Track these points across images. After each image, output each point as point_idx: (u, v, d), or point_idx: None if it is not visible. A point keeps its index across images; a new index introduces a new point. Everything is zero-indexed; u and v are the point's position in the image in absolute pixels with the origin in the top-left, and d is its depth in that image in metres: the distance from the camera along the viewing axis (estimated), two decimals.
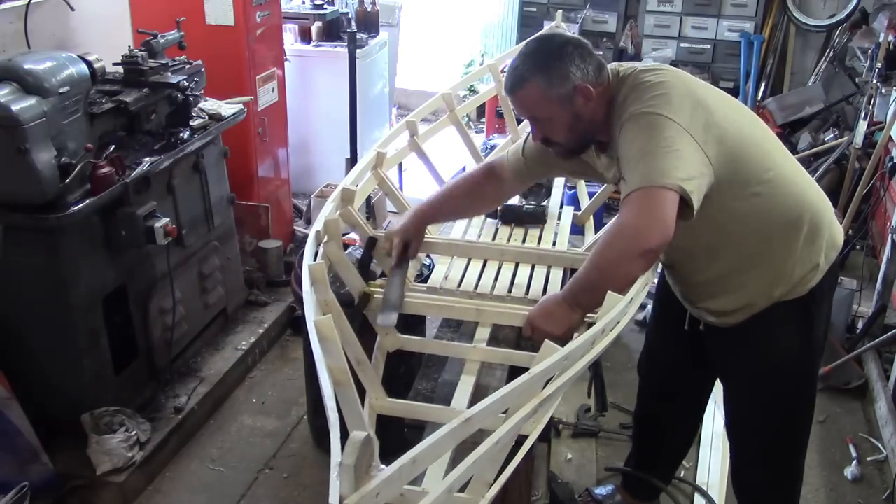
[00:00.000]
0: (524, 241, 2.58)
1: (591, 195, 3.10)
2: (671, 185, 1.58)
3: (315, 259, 1.87)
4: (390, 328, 1.97)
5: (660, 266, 2.10)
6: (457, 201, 2.19)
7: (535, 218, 2.67)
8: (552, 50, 1.78)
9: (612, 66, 1.85)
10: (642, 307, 3.72)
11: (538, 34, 1.87)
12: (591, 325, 1.69)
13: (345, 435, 1.20)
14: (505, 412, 1.40)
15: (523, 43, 1.89)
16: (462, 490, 1.45)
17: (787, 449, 2.12)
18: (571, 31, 4.74)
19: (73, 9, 3.21)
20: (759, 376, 2.02)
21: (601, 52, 5.46)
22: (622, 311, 1.68)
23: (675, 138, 1.63)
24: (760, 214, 1.82)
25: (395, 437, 1.76)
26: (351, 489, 1.07)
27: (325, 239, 1.98)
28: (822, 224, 1.90)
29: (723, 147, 1.71)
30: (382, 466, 1.16)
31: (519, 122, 3.70)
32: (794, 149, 5.06)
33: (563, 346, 1.47)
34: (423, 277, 2.48)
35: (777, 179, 1.82)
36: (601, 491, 2.63)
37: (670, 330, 2.22)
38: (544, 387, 1.44)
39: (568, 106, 1.77)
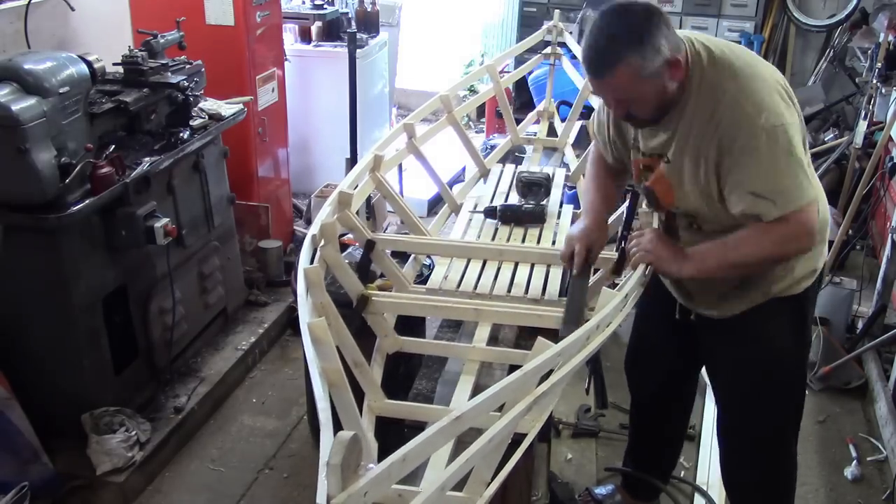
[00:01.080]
0: (524, 240, 2.58)
1: None
2: (810, 200, 1.69)
3: (311, 262, 1.87)
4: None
5: None
6: (610, 194, 2.14)
7: (535, 217, 2.66)
8: (639, 23, 1.64)
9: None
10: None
11: (610, 8, 1.69)
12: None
13: None
14: (501, 410, 1.40)
15: (591, 17, 1.76)
16: (461, 489, 1.46)
17: (774, 445, 2.13)
18: (571, 31, 4.74)
19: (73, 9, 3.22)
20: (750, 368, 2.03)
21: None
22: (617, 307, 1.69)
23: (797, 144, 1.68)
24: None
25: (396, 438, 1.76)
26: (338, 488, 1.07)
27: (322, 243, 1.98)
28: (825, 226, 1.92)
29: None
30: (372, 466, 1.15)
31: (518, 122, 3.72)
32: None
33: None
34: (422, 278, 2.48)
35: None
36: (601, 491, 2.63)
37: (658, 321, 2.23)
38: (540, 383, 1.44)
39: (659, 81, 1.67)
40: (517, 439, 1.52)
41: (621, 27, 1.64)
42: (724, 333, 2.02)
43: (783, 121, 1.66)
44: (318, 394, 1.30)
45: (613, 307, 1.67)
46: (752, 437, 2.12)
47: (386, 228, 4.16)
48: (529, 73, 4.41)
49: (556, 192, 2.89)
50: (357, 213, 2.28)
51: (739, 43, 5.34)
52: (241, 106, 3.26)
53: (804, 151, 1.72)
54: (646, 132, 1.86)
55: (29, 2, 2.99)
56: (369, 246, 2.23)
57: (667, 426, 2.47)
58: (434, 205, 4.65)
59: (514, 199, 2.81)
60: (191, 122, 2.96)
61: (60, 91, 2.33)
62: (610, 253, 2.26)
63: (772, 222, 1.68)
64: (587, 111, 3.78)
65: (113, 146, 2.55)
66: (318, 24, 4.71)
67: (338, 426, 1.24)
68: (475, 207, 2.79)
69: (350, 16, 4.93)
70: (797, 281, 1.91)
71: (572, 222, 2.75)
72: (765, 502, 2.23)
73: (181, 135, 2.87)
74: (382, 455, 1.25)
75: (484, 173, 3.21)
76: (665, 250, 1.86)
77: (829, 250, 1.96)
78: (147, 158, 2.67)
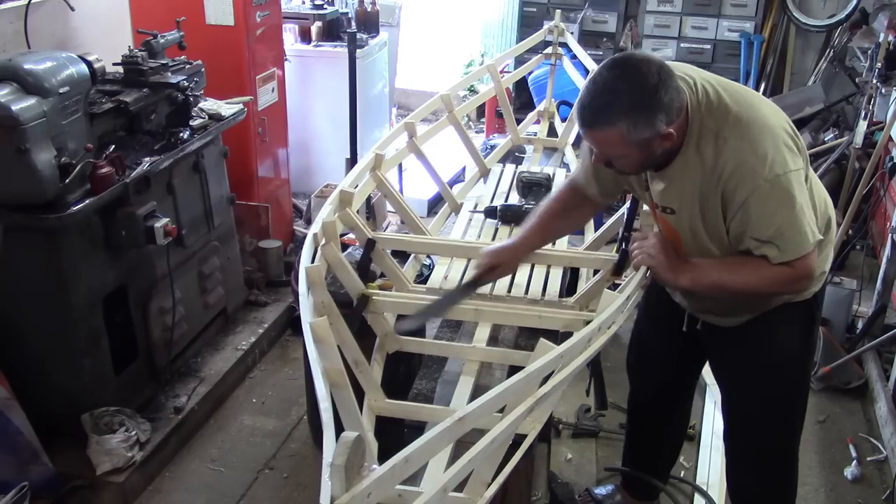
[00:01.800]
0: None
1: None
2: (813, 245, 1.72)
3: (313, 261, 1.87)
4: (398, 331, 1.97)
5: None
6: (552, 225, 2.13)
7: None
8: (644, 94, 1.60)
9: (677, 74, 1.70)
10: None
11: (625, 59, 1.65)
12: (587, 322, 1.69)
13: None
14: (502, 411, 1.40)
15: (602, 65, 1.66)
16: (461, 490, 1.46)
17: (781, 449, 2.13)
18: (571, 31, 4.74)
19: (73, 9, 3.21)
20: (759, 373, 2.02)
21: (601, 53, 5.55)
22: (618, 309, 1.69)
23: (799, 191, 1.68)
24: None
25: (396, 438, 1.76)
26: (342, 489, 1.07)
27: (323, 241, 1.98)
28: (832, 229, 1.93)
29: None
30: (374, 466, 1.16)
31: (518, 122, 3.72)
32: None
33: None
34: (422, 278, 2.48)
35: (813, 180, 1.84)
36: (601, 491, 2.63)
37: (661, 325, 2.22)
38: (542, 385, 1.44)
39: (646, 148, 1.68)
40: (517, 440, 1.52)
41: (626, 92, 1.61)
42: (732, 339, 2.01)
43: (787, 169, 1.66)
44: (321, 394, 1.30)
45: (615, 309, 1.67)
46: (758, 441, 2.12)
47: (386, 228, 4.17)
48: (530, 73, 4.41)
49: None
50: (357, 212, 2.28)
51: (739, 43, 5.42)
52: (241, 106, 3.26)
53: (804, 187, 1.72)
54: (653, 177, 1.84)
55: (29, 2, 2.99)
56: (370, 245, 2.23)
57: (667, 427, 2.47)
58: (434, 204, 4.65)
59: (515, 199, 2.81)
60: (191, 122, 2.95)
61: (60, 91, 2.32)
62: (610, 254, 2.27)
63: (775, 265, 1.71)
64: None
65: (113, 146, 2.55)
66: (318, 24, 4.71)
67: (338, 426, 1.24)
68: (475, 207, 2.80)
69: (350, 16, 4.93)
70: None
71: None
72: None
73: (181, 135, 2.87)
74: (382, 455, 1.25)
75: (484, 173, 3.21)
76: (666, 257, 1.86)
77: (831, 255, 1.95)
78: (147, 158, 2.67)
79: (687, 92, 1.69)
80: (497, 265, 2.04)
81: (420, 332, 2.49)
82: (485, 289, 2.23)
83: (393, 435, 1.79)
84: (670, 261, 1.86)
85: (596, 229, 2.82)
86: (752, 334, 1.97)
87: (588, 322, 1.70)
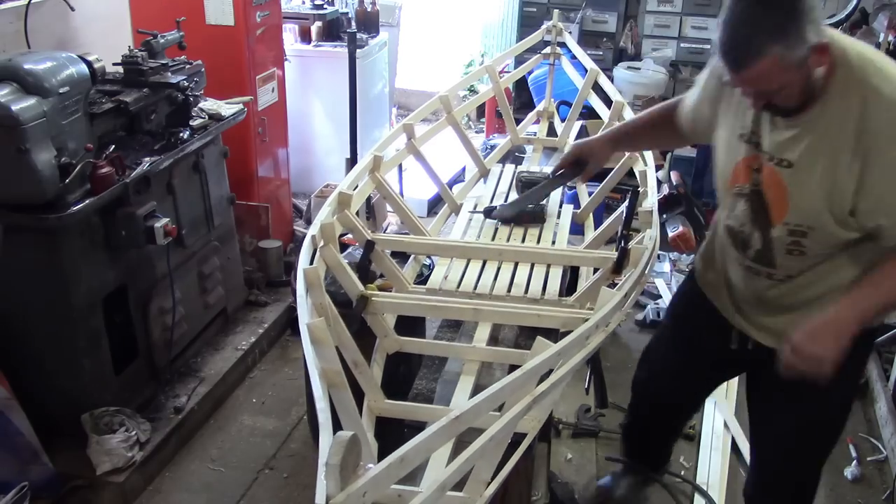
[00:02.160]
0: (523, 240, 2.58)
1: (590, 193, 3.11)
2: None
3: (311, 263, 1.87)
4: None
5: (672, 276, 2.02)
6: (641, 133, 2.04)
7: (535, 217, 2.67)
8: (784, 8, 1.47)
9: None
10: (642, 307, 3.72)
11: None
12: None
13: None
14: (501, 410, 1.40)
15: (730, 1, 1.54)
16: (461, 489, 1.46)
17: (811, 474, 2.05)
18: (571, 31, 4.74)
19: (73, 9, 3.21)
20: (810, 400, 1.83)
21: (601, 53, 5.55)
22: (616, 306, 1.69)
23: None
24: None
25: (395, 438, 1.76)
26: (337, 489, 1.07)
27: (321, 243, 1.98)
28: None
29: None
30: (370, 466, 1.16)
31: (518, 122, 3.72)
32: None
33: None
34: (422, 278, 2.49)
35: None
36: (606, 482, 2.63)
37: (690, 346, 2.09)
38: (539, 383, 1.44)
39: (805, 69, 1.51)
40: (517, 439, 1.52)
41: (762, 13, 1.48)
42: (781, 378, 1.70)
43: None
44: (318, 394, 1.30)
45: (612, 306, 1.67)
46: (791, 465, 2.01)
47: (386, 229, 4.17)
48: (529, 73, 4.41)
49: (556, 192, 2.89)
50: (357, 213, 2.28)
51: None
52: (241, 106, 3.26)
53: None
54: (777, 124, 1.66)
55: (29, 2, 2.99)
56: (369, 246, 2.24)
57: (667, 430, 2.46)
58: (434, 205, 4.65)
59: (514, 199, 2.81)
60: (191, 122, 2.95)
61: (60, 91, 2.32)
62: (610, 252, 2.27)
63: None
64: (587, 111, 3.79)
65: (113, 146, 2.55)
66: (318, 24, 4.71)
67: (337, 426, 1.25)
68: (475, 207, 2.80)
69: (350, 16, 4.93)
70: None
71: (572, 221, 2.77)
72: None
73: (181, 135, 2.87)
74: (382, 455, 1.25)
75: (484, 173, 3.21)
76: (825, 339, 1.60)
77: None
78: (147, 158, 2.67)
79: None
80: (582, 156, 1.97)
81: (420, 332, 2.50)
82: (485, 288, 2.23)
83: (393, 435, 1.79)
84: (814, 333, 1.61)
85: (595, 228, 2.82)
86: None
87: (587, 320, 1.70)
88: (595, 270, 2.34)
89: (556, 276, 2.30)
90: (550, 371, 1.47)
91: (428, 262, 2.63)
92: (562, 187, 2.77)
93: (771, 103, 1.60)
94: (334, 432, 1.20)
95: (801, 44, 1.47)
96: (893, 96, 1.52)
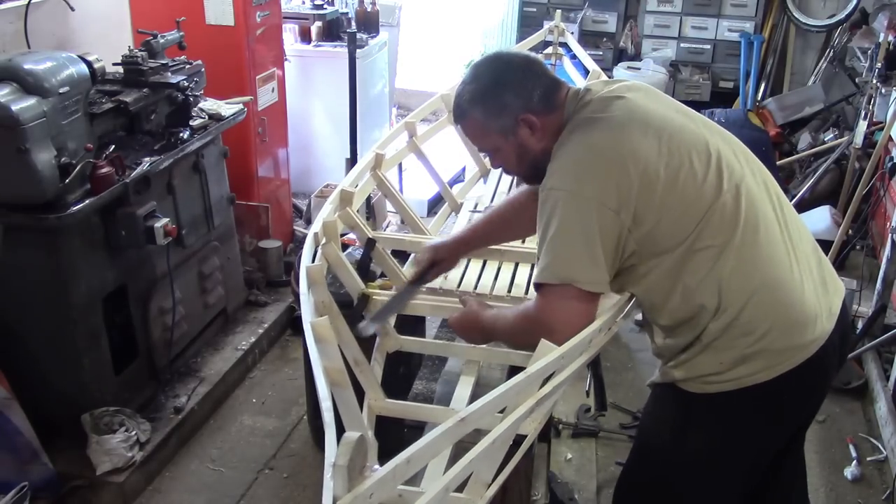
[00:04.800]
0: (524, 240, 2.58)
1: None
2: (577, 285, 1.49)
3: (313, 261, 1.87)
4: (375, 332, 1.93)
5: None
6: (500, 224, 2.03)
7: None
8: (490, 78, 1.61)
9: (586, 84, 1.67)
10: None
11: (483, 56, 1.71)
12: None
13: (342, 436, 1.20)
14: (502, 412, 1.40)
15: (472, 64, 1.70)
16: (461, 490, 1.46)
17: None
18: (571, 31, 4.74)
19: (73, 9, 3.21)
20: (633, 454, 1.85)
21: (601, 53, 5.55)
22: (619, 309, 1.68)
23: (577, 218, 1.48)
24: None
25: (395, 438, 1.76)
26: (344, 490, 1.07)
27: (324, 241, 1.98)
28: (771, 313, 1.63)
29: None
30: (376, 467, 1.16)
31: None
32: (794, 149, 5.08)
33: None
34: None
35: (735, 256, 1.58)
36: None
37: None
38: (542, 386, 1.44)
39: (511, 137, 1.61)
40: (518, 440, 1.52)
41: (475, 80, 1.63)
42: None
43: (566, 188, 1.49)
44: (323, 393, 1.30)
45: (616, 309, 1.67)
46: None
47: (386, 227, 4.17)
48: None
49: None
50: (357, 211, 2.28)
51: (739, 43, 5.42)
52: (241, 106, 3.26)
53: (592, 217, 1.47)
54: None
55: (29, 2, 2.98)
56: (370, 244, 2.23)
57: None
58: (434, 204, 4.64)
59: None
60: (191, 122, 2.95)
61: (60, 91, 2.32)
62: None
63: (537, 287, 1.54)
64: None
65: (113, 146, 2.55)
66: (318, 24, 4.71)
67: (339, 426, 1.25)
68: (475, 207, 2.80)
69: (350, 16, 4.93)
70: (698, 375, 1.59)
71: None
72: None
73: (181, 135, 2.87)
74: (381, 455, 1.25)
75: (484, 173, 3.21)
76: (461, 320, 1.76)
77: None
78: (147, 158, 2.67)
79: (571, 97, 1.61)
80: (438, 261, 1.99)
81: (420, 331, 2.49)
82: (485, 288, 2.23)
83: (393, 435, 1.79)
84: (466, 324, 1.75)
85: None
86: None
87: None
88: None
89: None
90: (553, 373, 1.47)
91: None
92: None
93: (498, 165, 1.72)
94: (338, 431, 1.20)
95: (502, 113, 1.59)
96: (556, 153, 1.56)
